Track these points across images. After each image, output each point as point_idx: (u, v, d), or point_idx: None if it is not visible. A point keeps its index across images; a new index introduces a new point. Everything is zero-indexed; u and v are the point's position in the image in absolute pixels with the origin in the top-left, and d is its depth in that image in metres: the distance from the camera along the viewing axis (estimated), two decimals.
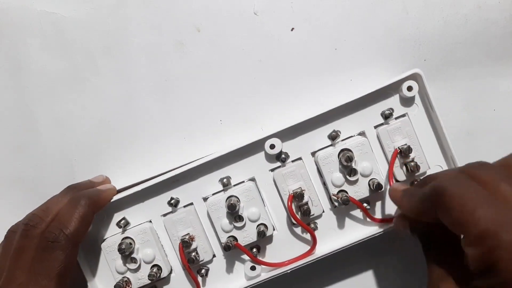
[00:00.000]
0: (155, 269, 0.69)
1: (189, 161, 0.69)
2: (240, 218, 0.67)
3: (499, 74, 0.73)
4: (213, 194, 0.70)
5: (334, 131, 0.67)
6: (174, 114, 0.74)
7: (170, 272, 0.71)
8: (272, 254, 0.71)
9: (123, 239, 0.69)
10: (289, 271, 0.68)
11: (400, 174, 0.68)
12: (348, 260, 0.74)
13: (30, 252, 0.59)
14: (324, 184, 0.69)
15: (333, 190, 0.67)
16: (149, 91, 0.74)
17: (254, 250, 0.70)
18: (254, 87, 0.74)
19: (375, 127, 0.69)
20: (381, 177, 0.68)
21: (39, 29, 0.73)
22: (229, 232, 0.68)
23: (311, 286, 0.76)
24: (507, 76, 0.73)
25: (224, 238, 0.68)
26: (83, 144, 0.75)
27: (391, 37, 0.73)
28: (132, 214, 0.71)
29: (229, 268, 0.71)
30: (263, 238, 0.68)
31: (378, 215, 0.70)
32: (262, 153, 0.69)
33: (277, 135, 0.67)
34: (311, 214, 0.68)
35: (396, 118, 0.68)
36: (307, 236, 0.70)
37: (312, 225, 0.70)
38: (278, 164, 0.69)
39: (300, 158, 0.69)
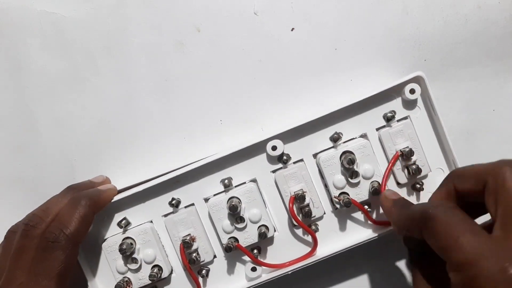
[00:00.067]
0: (156, 270, 0.69)
1: (189, 162, 0.69)
2: (241, 219, 0.67)
3: (499, 74, 0.74)
4: (215, 195, 0.70)
5: (336, 133, 0.67)
6: (174, 114, 0.74)
7: (171, 273, 0.71)
8: (273, 255, 0.71)
9: (124, 239, 0.68)
10: (289, 273, 0.68)
11: (402, 177, 0.68)
12: (348, 262, 0.74)
13: (30, 252, 0.59)
14: (326, 186, 0.69)
15: (335, 192, 0.68)
16: (149, 91, 0.74)
17: (255, 251, 0.70)
18: (254, 87, 0.74)
19: (377, 129, 0.69)
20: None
21: (39, 29, 0.73)
22: (230, 233, 0.68)
23: None
24: (507, 76, 0.74)
25: (225, 239, 0.68)
26: (83, 144, 0.75)
27: (391, 37, 0.73)
28: (133, 214, 0.70)
29: (230, 269, 0.72)
30: (264, 239, 0.68)
31: (379, 217, 0.70)
32: (264, 155, 0.69)
33: (279, 136, 0.67)
34: (312, 215, 0.68)
35: (398, 121, 0.68)
36: (308, 237, 0.70)
37: (313, 227, 0.70)
38: (280, 165, 0.69)
39: (301, 160, 0.69)
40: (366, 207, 0.68)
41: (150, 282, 0.68)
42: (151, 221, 0.70)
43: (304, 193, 0.67)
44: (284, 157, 0.68)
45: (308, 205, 0.68)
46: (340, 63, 0.73)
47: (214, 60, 0.73)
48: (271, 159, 0.69)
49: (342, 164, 0.67)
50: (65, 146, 0.75)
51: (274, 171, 0.69)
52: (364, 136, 0.69)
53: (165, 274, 0.69)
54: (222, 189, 0.69)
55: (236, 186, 0.69)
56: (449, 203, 0.53)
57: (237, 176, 0.69)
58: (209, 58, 0.73)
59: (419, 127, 0.68)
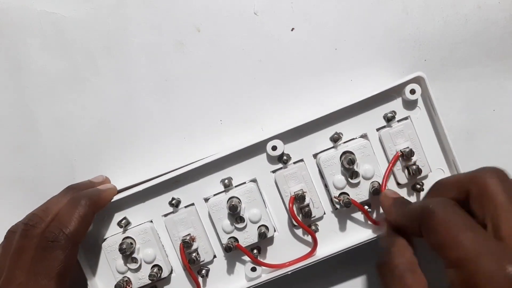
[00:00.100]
0: (155, 269, 0.69)
1: (189, 161, 0.69)
2: (241, 219, 0.67)
3: (499, 74, 0.74)
4: (215, 195, 0.70)
5: (336, 133, 0.67)
6: (174, 114, 0.74)
7: (171, 272, 0.71)
8: (272, 255, 0.71)
9: (124, 239, 0.68)
10: (289, 273, 0.68)
11: (402, 177, 0.68)
12: (348, 262, 0.74)
13: (30, 252, 0.59)
14: (326, 186, 0.69)
15: (335, 192, 0.68)
16: (149, 91, 0.74)
17: (255, 251, 0.70)
18: (254, 87, 0.74)
19: (378, 129, 0.69)
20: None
21: (39, 29, 0.73)
22: (230, 233, 0.68)
23: None
24: (507, 76, 0.74)
25: (225, 239, 0.68)
26: (83, 144, 0.75)
27: (391, 37, 0.73)
28: (133, 214, 0.70)
29: (230, 269, 0.72)
30: (264, 239, 0.68)
31: (379, 218, 0.70)
32: (264, 155, 0.69)
33: (279, 136, 0.67)
34: (312, 216, 0.68)
35: (398, 121, 0.68)
36: (308, 238, 0.70)
37: (313, 227, 0.70)
38: (280, 165, 0.69)
39: (302, 160, 0.69)
40: (366, 207, 0.68)
41: (150, 281, 0.68)
42: (151, 221, 0.70)
43: (304, 193, 0.67)
44: (284, 157, 0.68)
45: (308, 205, 0.68)
46: (340, 63, 0.73)
47: (214, 60, 0.73)
48: (271, 159, 0.69)
49: (342, 164, 0.67)
50: (65, 146, 0.75)
51: (274, 171, 0.69)
52: (364, 136, 0.69)
53: (165, 274, 0.69)
54: (222, 189, 0.69)
55: (236, 186, 0.69)
56: (449, 200, 0.53)
57: (237, 176, 0.69)
58: (209, 58, 0.73)
59: (419, 128, 0.68)
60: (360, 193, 0.68)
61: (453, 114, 0.74)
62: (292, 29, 0.72)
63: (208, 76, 0.74)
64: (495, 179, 0.51)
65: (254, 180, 0.70)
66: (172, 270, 0.71)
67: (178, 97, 0.74)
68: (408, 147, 0.67)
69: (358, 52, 0.73)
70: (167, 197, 0.70)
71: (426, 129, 0.69)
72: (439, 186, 0.59)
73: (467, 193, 0.53)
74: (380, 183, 0.67)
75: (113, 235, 0.70)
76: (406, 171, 0.68)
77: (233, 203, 0.66)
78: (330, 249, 0.68)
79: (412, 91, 0.66)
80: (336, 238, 0.71)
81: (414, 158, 0.67)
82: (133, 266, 0.68)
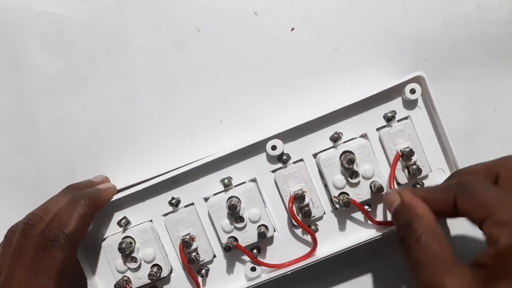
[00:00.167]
0: (155, 269, 0.69)
1: (189, 161, 0.69)
2: (241, 219, 0.67)
3: (499, 74, 0.73)
4: (214, 195, 0.70)
5: (336, 133, 0.67)
6: (174, 114, 0.74)
7: (170, 272, 0.71)
8: (272, 255, 0.71)
9: (123, 238, 0.69)
10: (289, 273, 0.68)
11: (402, 177, 0.68)
12: (348, 262, 0.74)
13: (30, 251, 0.59)
14: (326, 186, 0.69)
15: (335, 192, 0.67)
16: (149, 91, 0.74)
17: (255, 251, 0.70)
18: (254, 87, 0.74)
19: (377, 129, 0.69)
20: (383, 180, 0.68)
21: (39, 29, 0.73)
22: (230, 232, 0.68)
23: None
24: (507, 76, 0.74)
25: (224, 238, 0.68)
26: (83, 144, 0.75)
27: (391, 37, 0.73)
28: (133, 213, 0.71)
29: (230, 268, 0.72)
30: (264, 239, 0.68)
31: (379, 217, 0.70)
32: (264, 154, 0.69)
33: (279, 136, 0.67)
34: (312, 215, 0.68)
35: (398, 121, 0.68)
36: (308, 237, 0.70)
37: (313, 227, 0.70)
38: (280, 165, 0.69)
39: (301, 160, 0.69)
40: (366, 207, 0.68)
41: (149, 281, 0.68)
42: (151, 220, 0.70)
43: (304, 193, 0.67)
44: (284, 157, 0.68)
45: (307, 205, 0.68)
46: (340, 63, 0.73)
47: (214, 60, 0.73)
48: (271, 159, 0.69)
49: (342, 164, 0.67)
50: (65, 146, 0.75)
51: (273, 171, 0.69)
52: (364, 136, 0.69)
53: (164, 273, 0.69)
54: (222, 188, 0.69)
55: (235, 186, 0.69)
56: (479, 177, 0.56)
57: (237, 176, 0.69)
58: (209, 58, 0.73)
59: (419, 127, 0.68)
60: (360, 193, 0.67)
61: (453, 114, 0.74)
62: (292, 29, 0.73)
63: (208, 76, 0.74)
64: None
65: (253, 180, 0.70)
66: (171, 269, 0.71)
67: (178, 97, 0.74)
68: (408, 147, 0.67)
69: (358, 52, 0.73)
70: (167, 196, 0.70)
71: (426, 129, 0.69)
72: (465, 173, 0.60)
73: (496, 177, 0.55)
74: (381, 183, 0.67)
75: (112, 235, 0.70)
76: (406, 171, 0.68)
77: (232, 202, 0.66)
78: (330, 249, 0.68)
79: (412, 91, 0.66)
80: (336, 238, 0.70)
81: (414, 158, 0.67)
82: (133, 265, 0.68)
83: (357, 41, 0.73)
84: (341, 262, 0.72)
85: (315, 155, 0.69)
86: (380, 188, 0.66)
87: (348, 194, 0.67)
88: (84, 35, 0.73)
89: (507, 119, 0.74)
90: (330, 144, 0.69)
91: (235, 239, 0.68)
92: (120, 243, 0.67)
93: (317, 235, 0.69)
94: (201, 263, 0.70)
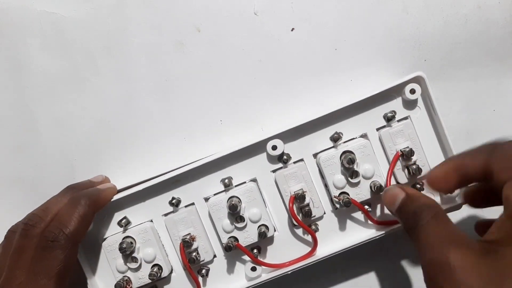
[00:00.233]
0: (155, 269, 0.69)
1: (189, 161, 0.69)
2: (241, 219, 0.67)
3: (499, 74, 0.74)
4: (215, 195, 0.70)
5: (336, 133, 0.67)
6: (174, 114, 0.74)
7: (171, 272, 0.71)
8: (272, 255, 0.71)
9: (124, 238, 0.69)
10: (289, 272, 0.68)
11: (402, 176, 0.68)
12: (348, 262, 0.74)
13: (30, 252, 0.59)
14: (326, 185, 0.69)
15: (335, 192, 0.67)
16: (149, 91, 0.74)
17: (255, 250, 0.70)
18: (254, 87, 0.74)
19: (377, 129, 0.69)
20: (383, 180, 0.68)
21: (39, 29, 0.73)
22: (230, 232, 0.68)
23: None
24: (507, 76, 0.74)
25: (225, 238, 0.68)
26: (83, 144, 0.75)
27: (391, 37, 0.73)
28: (133, 213, 0.70)
29: (230, 268, 0.72)
30: (264, 239, 0.68)
31: (379, 217, 0.70)
32: (264, 154, 0.69)
33: (279, 136, 0.67)
34: (312, 215, 0.68)
35: (398, 121, 0.68)
36: (308, 237, 0.70)
37: (313, 227, 0.70)
38: (280, 165, 0.69)
39: (302, 160, 0.69)
40: (366, 207, 0.68)
41: (150, 281, 0.68)
42: (151, 220, 0.70)
43: (304, 193, 0.67)
44: (284, 157, 0.68)
45: (308, 204, 0.68)
46: (340, 63, 0.73)
47: (214, 60, 0.73)
48: (271, 159, 0.69)
49: (342, 164, 0.67)
50: (65, 146, 0.75)
51: (274, 171, 0.69)
52: (364, 136, 0.69)
53: (165, 273, 0.69)
54: (222, 188, 0.69)
55: (236, 186, 0.69)
56: None
57: (237, 176, 0.69)
58: (209, 58, 0.73)
59: (419, 127, 0.68)
60: (360, 193, 0.68)
61: (453, 114, 0.74)
62: (292, 29, 0.73)
63: (208, 76, 0.74)
64: None
65: (254, 180, 0.70)
66: (172, 269, 0.71)
67: (178, 97, 0.74)
68: (408, 147, 0.67)
69: (358, 52, 0.73)
70: (167, 196, 0.70)
71: (426, 129, 0.69)
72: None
73: None
74: (381, 183, 0.67)
75: (113, 235, 0.70)
76: (406, 170, 0.68)
77: (233, 202, 0.66)
78: (330, 248, 0.68)
79: (412, 91, 0.66)
80: (336, 237, 0.71)
81: (414, 158, 0.67)
82: (133, 265, 0.68)
83: (357, 41, 0.73)
84: (341, 261, 0.72)
85: (315, 155, 0.69)
86: (380, 188, 0.66)
87: (348, 194, 0.67)
88: (84, 35, 0.73)
89: (507, 119, 0.74)
90: (331, 144, 0.69)
91: (236, 239, 0.68)
92: (121, 243, 0.67)
93: (317, 235, 0.69)
94: (201, 263, 0.70)
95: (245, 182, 0.70)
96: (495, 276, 0.46)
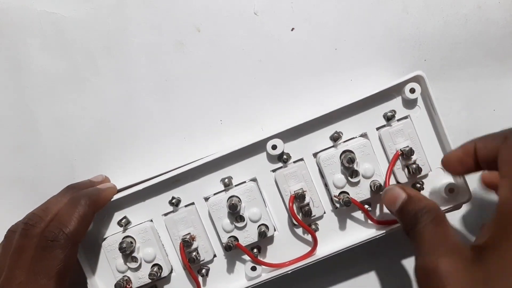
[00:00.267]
0: (155, 268, 0.69)
1: (189, 161, 0.69)
2: (241, 218, 0.67)
3: (499, 74, 0.74)
4: (215, 194, 0.70)
5: (336, 132, 0.67)
6: (174, 114, 0.74)
7: (171, 272, 0.71)
8: (272, 254, 0.71)
9: (124, 238, 0.68)
10: (289, 272, 0.68)
11: (402, 176, 0.68)
12: (349, 261, 0.74)
13: (30, 251, 0.59)
14: (326, 185, 0.69)
15: (335, 192, 0.67)
16: (149, 91, 0.74)
17: (255, 250, 0.70)
18: (254, 87, 0.74)
19: (377, 129, 0.69)
20: (383, 179, 0.67)
21: (39, 29, 0.73)
22: (230, 232, 0.68)
23: (312, 287, 0.76)
24: (507, 76, 0.74)
25: (225, 238, 0.68)
26: (83, 144, 0.75)
27: (391, 37, 0.73)
28: (133, 213, 0.70)
29: (230, 268, 0.71)
30: (264, 238, 0.68)
31: (379, 216, 0.70)
32: (264, 154, 0.69)
33: (279, 135, 0.67)
34: (312, 215, 0.68)
35: (398, 120, 0.68)
36: (308, 237, 0.70)
37: (313, 226, 0.70)
38: (280, 164, 0.69)
39: (302, 159, 0.69)
40: (366, 206, 0.68)
41: (150, 281, 0.68)
42: (151, 220, 0.70)
43: (304, 192, 0.67)
44: (284, 156, 0.68)
45: (308, 204, 0.68)
46: (340, 63, 0.73)
47: (214, 60, 0.73)
48: (271, 158, 0.69)
49: (342, 163, 0.67)
50: (65, 146, 0.75)
51: (274, 170, 0.69)
52: (364, 135, 0.69)
53: (165, 273, 0.69)
54: (222, 188, 0.69)
55: (236, 185, 0.69)
56: None
57: (237, 175, 0.69)
58: (209, 58, 0.73)
59: (419, 127, 0.68)
60: (360, 192, 0.68)
61: (452, 113, 0.74)
62: (292, 29, 0.73)
63: (208, 76, 0.74)
64: None
65: (254, 179, 0.70)
66: (172, 269, 0.71)
67: (178, 97, 0.74)
68: (408, 146, 0.67)
69: (358, 52, 0.73)
70: (167, 196, 0.70)
71: (426, 128, 0.69)
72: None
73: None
74: (381, 182, 0.67)
75: (113, 234, 0.70)
76: (406, 170, 0.68)
77: (233, 202, 0.66)
78: (330, 248, 0.68)
79: (412, 90, 0.66)
80: (336, 237, 0.70)
81: (414, 157, 0.67)
82: (133, 265, 0.68)
83: (357, 41, 0.73)
84: (341, 261, 0.72)
85: (315, 155, 0.69)
86: (380, 187, 0.66)
87: (348, 193, 0.67)
88: (84, 35, 0.73)
89: (506, 119, 0.74)
90: (330, 143, 0.69)
91: (236, 239, 0.68)
92: (121, 243, 0.67)
93: (317, 234, 0.69)
94: (201, 262, 0.70)
95: (245, 182, 0.69)
96: (479, 283, 0.46)
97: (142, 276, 0.69)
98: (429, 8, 0.72)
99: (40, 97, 0.74)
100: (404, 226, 0.57)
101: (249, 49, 0.73)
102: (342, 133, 0.68)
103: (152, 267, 0.69)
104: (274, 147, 0.67)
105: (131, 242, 0.68)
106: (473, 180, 0.69)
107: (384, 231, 0.67)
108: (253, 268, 0.69)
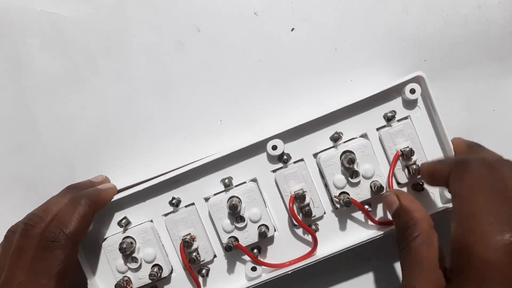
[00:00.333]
0: (156, 269, 0.69)
1: (189, 161, 0.69)
2: (242, 219, 0.67)
3: (499, 74, 0.74)
4: (215, 195, 0.70)
5: (336, 133, 0.67)
6: (174, 114, 0.74)
7: (171, 272, 0.71)
8: (273, 255, 0.71)
9: (124, 238, 0.68)
10: (290, 272, 0.68)
11: (402, 176, 0.68)
12: (349, 261, 0.74)
13: (30, 252, 0.59)
14: (326, 185, 0.69)
15: (335, 192, 0.67)
16: (149, 91, 0.74)
17: (255, 250, 0.70)
18: (254, 87, 0.74)
19: (378, 129, 0.69)
20: (383, 179, 0.68)
21: (39, 29, 0.73)
22: (230, 232, 0.68)
23: (312, 287, 0.76)
24: (507, 76, 0.74)
25: (225, 238, 0.68)
26: (83, 144, 0.75)
27: (391, 37, 0.73)
28: (133, 213, 0.70)
29: (230, 268, 0.71)
30: (264, 239, 0.68)
31: (379, 217, 0.70)
32: (264, 154, 0.69)
33: (279, 136, 0.67)
34: (313, 215, 0.68)
35: (398, 121, 0.68)
36: (308, 237, 0.70)
37: (313, 227, 0.70)
38: (280, 165, 0.69)
39: (302, 160, 0.69)
40: (366, 206, 0.68)
41: (150, 281, 0.68)
42: (151, 221, 0.70)
43: (304, 193, 0.67)
44: (285, 157, 0.68)
45: (308, 204, 0.68)
46: (340, 63, 0.73)
47: (214, 60, 0.73)
48: (272, 159, 0.69)
49: (342, 164, 0.67)
50: (65, 146, 0.75)
51: (274, 171, 0.69)
52: (364, 136, 0.69)
53: (165, 273, 0.69)
54: (222, 188, 0.69)
55: (236, 186, 0.69)
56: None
57: (238, 176, 0.69)
58: (209, 58, 0.73)
59: (419, 127, 0.68)
60: (360, 193, 0.68)
61: (453, 114, 0.74)
62: (292, 29, 0.73)
63: (208, 76, 0.74)
64: None
65: (254, 180, 0.70)
66: (172, 269, 0.71)
67: (178, 97, 0.74)
68: (408, 147, 0.67)
69: (358, 52, 0.73)
70: (167, 196, 0.70)
71: (426, 129, 0.69)
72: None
73: None
74: (381, 183, 0.67)
75: (113, 235, 0.70)
76: (406, 170, 0.68)
77: (233, 202, 0.66)
78: (330, 248, 0.68)
79: (412, 91, 0.66)
80: (336, 237, 0.70)
81: (414, 158, 0.67)
82: (133, 265, 0.68)
83: (357, 41, 0.73)
84: (341, 261, 0.72)
85: (315, 155, 0.69)
86: (381, 188, 0.66)
87: (348, 194, 0.67)
88: (84, 35, 0.73)
89: (506, 119, 0.74)
90: (331, 144, 0.69)
91: (236, 239, 0.68)
92: (121, 243, 0.67)
93: (317, 234, 0.69)
94: (201, 263, 0.70)
95: (245, 182, 0.69)
96: None
97: (143, 276, 0.69)
98: (429, 8, 0.72)
99: (40, 97, 0.74)
100: (396, 235, 0.59)
101: (249, 49, 0.73)
102: (342, 134, 0.68)
103: (152, 267, 0.69)
104: (274, 147, 0.67)
105: (131, 243, 0.68)
106: None
107: (384, 232, 0.67)
108: (253, 269, 0.69)
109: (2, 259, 0.61)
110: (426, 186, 0.69)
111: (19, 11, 0.73)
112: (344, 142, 0.69)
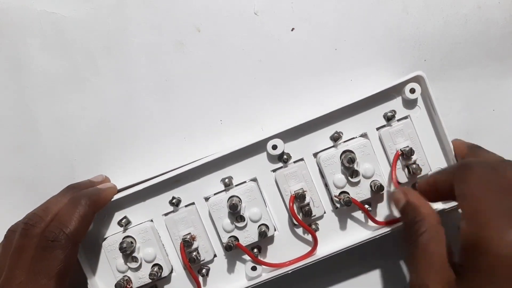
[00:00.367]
0: (156, 268, 0.69)
1: (189, 161, 0.69)
2: (242, 218, 0.67)
3: (499, 74, 0.74)
4: (215, 194, 0.70)
5: (336, 132, 0.67)
6: (174, 114, 0.74)
7: (171, 272, 0.71)
8: (273, 254, 0.71)
9: (124, 238, 0.68)
10: (290, 272, 0.68)
11: (402, 176, 0.68)
12: (349, 261, 0.74)
13: (30, 251, 0.59)
14: (326, 185, 0.69)
15: (335, 191, 0.67)
16: (149, 91, 0.74)
17: (255, 250, 0.70)
18: (254, 87, 0.74)
19: (377, 129, 0.69)
20: (383, 179, 0.68)
21: (39, 29, 0.73)
22: (231, 232, 0.68)
23: (312, 287, 0.76)
24: (507, 76, 0.74)
25: (225, 238, 0.68)
26: (83, 144, 0.75)
27: (391, 37, 0.73)
28: (134, 213, 0.70)
29: (230, 268, 0.71)
30: (264, 238, 0.68)
31: (379, 216, 0.70)
32: (264, 154, 0.69)
33: (279, 135, 0.67)
34: (313, 215, 0.68)
35: (398, 120, 0.68)
36: (308, 237, 0.70)
37: (314, 226, 0.70)
38: (280, 164, 0.69)
39: (302, 159, 0.69)
40: (366, 206, 0.68)
41: (150, 281, 0.68)
42: (152, 220, 0.70)
43: (305, 192, 0.67)
44: (285, 156, 0.68)
45: (308, 204, 0.68)
46: (340, 63, 0.73)
47: (214, 60, 0.73)
48: (272, 158, 0.69)
49: (342, 163, 0.67)
50: (65, 146, 0.75)
51: (274, 170, 0.69)
52: (364, 135, 0.69)
53: (165, 273, 0.69)
54: (223, 188, 0.69)
55: (236, 185, 0.69)
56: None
57: (238, 175, 0.69)
58: (209, 58, 0.73)
59: (419, 127, 0.68)
60: (360, 192, 0.68)
61: (453, 114, 0.74)
62: (292, 29, 0.73)
63: (208, 76, 0.74)
64: None
65: (254, 179, 0.70)
66: (172, 269, 0.71)
67: (178, 97, 0.74)
68: (408, 146, 0.67)
69: (358, 52, 0.73)
70: (167, 196, 0.70)
71: (426, 128, 0.69)
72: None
73: None
74: (381, 182, 0.67)
75: (113, 234, 0.70)
76: (406, 170, 0.68)
77: (233, 202, 0.66)
78: (331, 248, 0.68)
79: (412, 90, 0.66)
80: (337, 237, 0.70)
81: (414, 157, 0.67)
82: (134, 265, 0.68)
83: (357, 41, 0.73)
84: (341, 261, 0.72)
85: (315, 155, 0.69)
86: (380, 187, 0.66)
87: (348, 193, 0.67)
88: (84, 35, 0.73)
89: (506, 119, 0.74)
90: (331, 143, 0.69)
91: (236, 239, 0.68)
92: (121, 243, 0.67)
93: (317, 234, 0.69)
94: (201, 262, 0.70)
95: (245, 182, 0.69)
96: None
97: (143, 276, 0.69)
98: (429, 8, 0.72)
99: (40, 97, 0.74)
100: (403, 233, 0.59)
101: (249, 49, 0.73)
102: (342, 133, 0.68)
103: (152, 267, 0.69)
104: (274, 147, 0.67)
105: (132, 242, 0.68)
106: None
107: (384, 231, 0.67)
108: (254, 268, 0.69)
109: (2, 259, 0.61)
110: None
111: (19, 11, 0.73)
112: (344, 141, 0.69)
